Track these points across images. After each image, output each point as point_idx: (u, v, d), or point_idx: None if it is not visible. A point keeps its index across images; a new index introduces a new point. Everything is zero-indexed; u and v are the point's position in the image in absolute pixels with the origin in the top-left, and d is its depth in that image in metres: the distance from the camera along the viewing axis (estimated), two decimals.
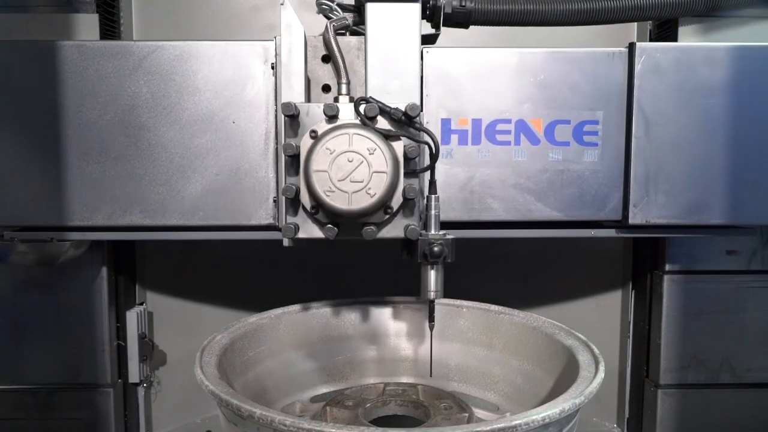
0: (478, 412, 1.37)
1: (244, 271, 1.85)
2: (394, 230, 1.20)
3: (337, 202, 1.13)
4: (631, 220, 1.37)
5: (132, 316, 1.70)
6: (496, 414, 1.39)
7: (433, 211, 1.21)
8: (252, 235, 1.39)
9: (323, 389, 1.50)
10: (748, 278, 1.66)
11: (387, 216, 1.18)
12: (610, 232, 1.44)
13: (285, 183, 1.19)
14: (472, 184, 1.36)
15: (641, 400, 1.76)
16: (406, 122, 1.16)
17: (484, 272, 1.84)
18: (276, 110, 1.33)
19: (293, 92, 1.24)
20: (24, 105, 1.32)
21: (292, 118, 1.17)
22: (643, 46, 1.35)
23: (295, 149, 1.16)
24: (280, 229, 1.30)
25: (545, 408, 0.99)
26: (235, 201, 1.35)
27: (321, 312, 1.56)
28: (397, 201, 1.17)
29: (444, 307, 1.57)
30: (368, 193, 1.13)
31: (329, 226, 1.18)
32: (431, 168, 1.20)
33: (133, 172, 1.34)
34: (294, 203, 1.19)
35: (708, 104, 1.36)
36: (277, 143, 1.34)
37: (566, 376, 1.25)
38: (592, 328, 1.64)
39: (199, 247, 1.81)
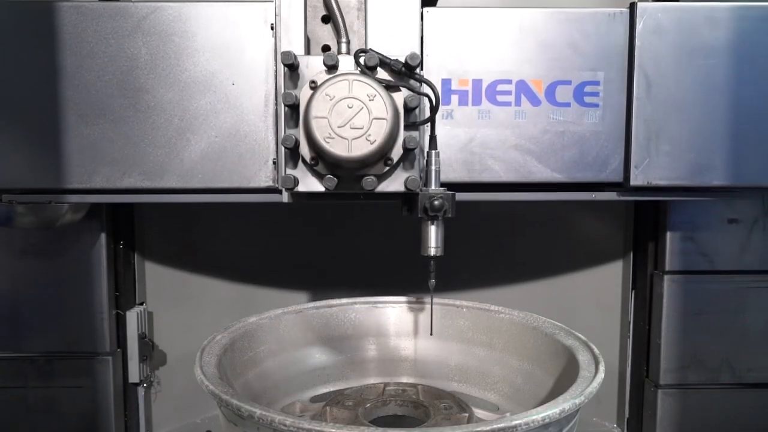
0: (478, 412, 1.37)
1: (245, 240, 1.84)
2: (393, 183, 1.19)
3: (337, 148, 1.11)
4: (633, 182, 1.36)
5: (132, 316, 1.70)
6: (496, 414, 1.39)
7: (433, 167, 1.20)
8: (251, 198, 1.39)
9: (323, 389, 1.50)
10: (748, 278, 1.66)
11: (387, 168, 1.17)
12: (612, 195, 1.43)
13: (284, 134, 1.18)
14: (473, 144, 1.35)
15: (641, 400, 1.76)
16: (406, 73, 1.15)
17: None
18: (276, 72, 1.32)
19: (292, 49, 1.22)
20: (21, 66, 1.31)
21: (291, 69, 1.16)
22: (644, 6, 1.33)
23: (294, 98, 1.15)
24: (279, 192, 1.30)
25: (545, 408, 0.99)
26: (235, 163, 1.34)
27: (321, 312, 1.55)
28: (397, 153, 1.17)
29: (444, 307, 1.57)
30: (368, 140, 1.11)
31: (329, 176, 1.17)
32: (431, 120, 1.19)
33: (132, 134, 1.33)
34: (293, 156, 1.18)
35: (710, 64, 1.34)
36: (276, 105, 1.33)
37: (566, 376, 1.25)
38: (592, 328, 1.64)
39: (199, 215, 1.81)
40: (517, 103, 1.35)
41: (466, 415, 1.30)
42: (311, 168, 1.18)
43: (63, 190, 1.36)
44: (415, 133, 1.17)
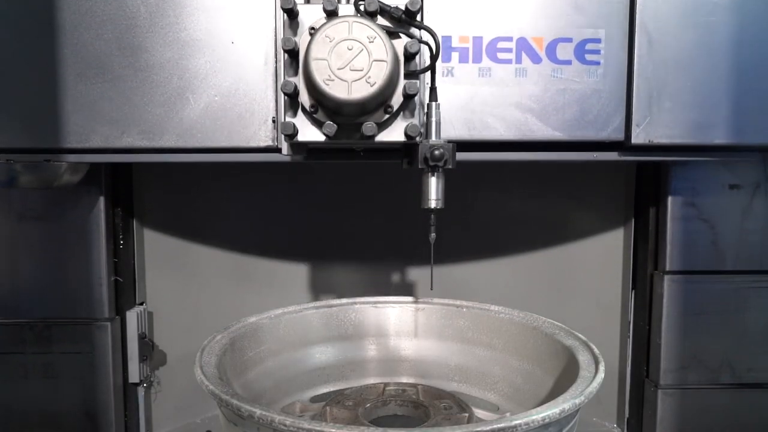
0: (478, 412, 1.38)
1: (244, 208, 1.84)
2: (393, 133, 1.19)
3: (337, 90, 1.10)
4: (634, 140, 1.35)
5: (132, 316, 1.70)
6: (496, 414, 1.39)
7: (433, 118, 1.20)
8: (251, 157, 1.38)
9: (323, 389, 1.50)
10: (748, 278, 1.66)
11: (387, 116, 1.17)
12: (612, 155, 1.41)
13: (283, 79, 1.17)
14: (474, 103, 1.34)
15: (641, 400, 1.76)
16: (406, 20, 1.15)
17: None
18: (275, 29, 1.31)
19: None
20: (19, 25, 1.30)
21: (291, 16, 1.16)
22: None
23: (294, 44, 1.14)
24: (279, 151, 1.30)
25: (545, 408, 0.99)
26: (234, 123, 1.33)
27: (321, 312, 1.56)
28: (397, 101, 1.16)
29: (444, 307, 1.57)
30: (368, 82, 1.10)
31: (328, 122, 1.16)
32: (432, 67, 1.19)
33: (131, 94, 1.32)
34: (293, 104, 1.18)
35: (711, 21, 1.33)
36: (276, 63, 1.32)
37: (566, 376, 1.25)
38: (592, 328, 1.64)
39: (198, 183, 1.80)
40: (518, 60, 1.33)
41: (466, 415, 1.30)
42: (311, 116, 1.17)
43: (60, 150, 1.34)
44: (415, 81, 1.16)
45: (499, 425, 0.93)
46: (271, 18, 1.32)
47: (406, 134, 1.18)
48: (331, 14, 1.14)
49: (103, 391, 1.64)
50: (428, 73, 1.21)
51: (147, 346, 1.77)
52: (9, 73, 1.32)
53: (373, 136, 1.16)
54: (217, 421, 1.72)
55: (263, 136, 1.34)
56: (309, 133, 1.19)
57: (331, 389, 1.49)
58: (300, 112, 1.18)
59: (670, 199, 1.64)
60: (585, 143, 1.38)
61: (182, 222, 1.83)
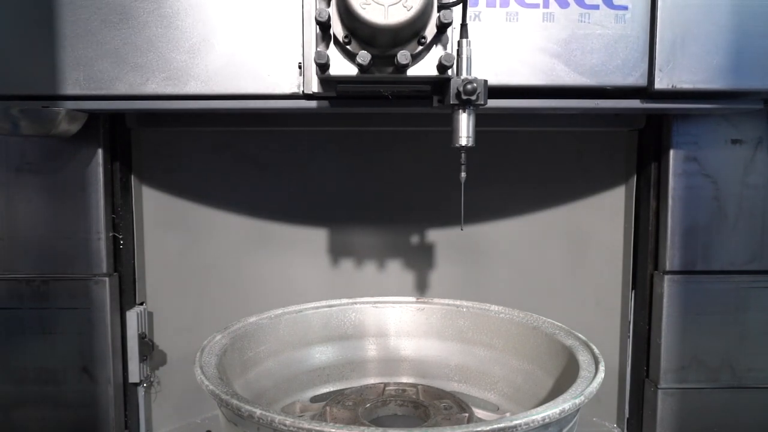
0: (478, 412, 1.38)
1: (242, 166, 1.82)
2: (426, 66, 1.18)
3: (373, 15, 1.08)
4: (657, 85, 1.34)
5: (132, 316, 1.70)
6: (496, 414, 1.39)
7: (465, 55, 1.19)
8: (276, 104, 1.36)
9: (323, 389, 1.50)
10: (748, 278, 1.66)
11: (420, 47, 1.16)
12: (635, 103, 1.40)
13: (317, 7, 1.15)
14: (500, 47, 1.33)
15: (641, 400, 1.76)
16: None
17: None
18: None
19: None
20: None
21: None
22: None
23: None
24: (304, 97, 1.29)
25: (545, 408, 0.99)
26: (259, 69, 1.32)
27: (321, 312, 1.56)
28: (431, 32, 1.15)
29: (444, 307, 1.57)
30: (405, 6, 1.09)
31: (362, 52, 1.14)
32: (464, 2, 1.17)
33: (156, 40, 1.31)
34: (325, 37, 1.17)
35: None
36: (302, 4, 1.30)
37: (566, 376, 1.25)
38: (592, 328, 1.64)
39: (200, 139, 1.79)
40: (546, 5, 1.32)
41: (466, 415, 1.30)
42: (343, 48, 1.16)
43: (85, 97, 1.34)
44: (450, 10, 1.15)
45: (499, 425, 0.93)
46: None
47: (441, 64, 1.17)
48: None
49: (101, 347, 1.63)
50: (456, 12, 1.19)
51: (147, 346, 1.77)
52: (30, 18, 1.30)
53: (406, 66, 1.15)
54: (217, 421, 1.72)
55: (288, 84, 1.32)
56: (340, 66, 1.18)
57: (331, 389, 1.50)
58: (332, 45, 1.17)
59: (672, 153, 1.63)
60: (607, 90, 1.37)
61: (180, 180, 1.81)
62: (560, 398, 1.04)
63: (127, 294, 1.71)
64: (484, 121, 1.69)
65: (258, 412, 0.96)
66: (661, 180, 1.67)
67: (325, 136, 1.81)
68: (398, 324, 1.59)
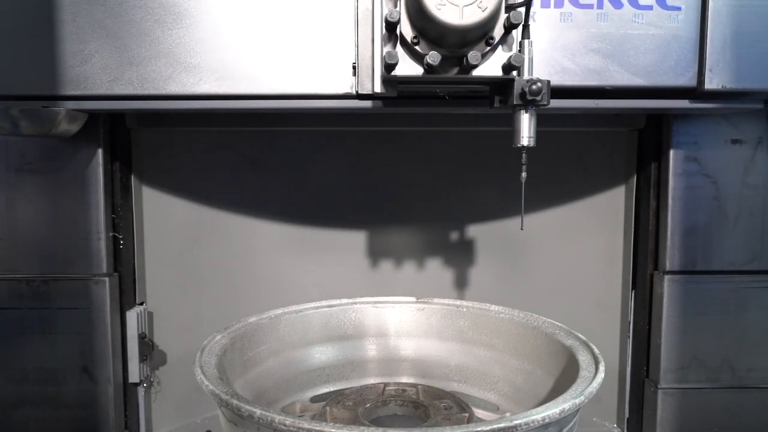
0: (478, 412, 1.38)
1: (244, 166, 1.82)
2: (491, 67, 1.19)
3: (448, 16, 1.09)
4: (707, 86, 1.34)
5: (132, 316, 1.70)
6: (496, 414, 1.39)
7: (526, 55, 1.19)
8: (328, 104, 1.35)
9: (323, 389, 1.50)
10: (748, 278, 1.66)
11: (488, 48, 1.17)
12: (684, 103, 1.41)
13: (383, 14, 1.16)
14: (553, 48, 1.34)
15: (641, 400, 1.76)
16: None
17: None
18: None
19: None
20: None
21: None
22: None
23: None
24: (358, 97, 1.30)
25: (545, 408, 0.99)
26: (312, 69, 1.32)
27: (321, 312, 1.56)
28: (498, 32, 1.16)
29: (444, 307, 1.57)
30: (479, 7, 1.09)
31: (432, 52, 1.14)
32: (526, 3, 1.17)
33: (206, 38, 1.31)
34: (391, 37, 1.18)
35: None
36: (356, 6, 1.30)
37: (566, 376, 1.25)
38: (592, 328, 1.64)
39: (198, 140, 1.79)
40: (600, 5, 1.33)
41: (466, 415, 1.30)
42: (410, 48, 1.17)
43: (141, 96, 1.33)
44: (520, 10, 1.15)
45: (499, 425, 0.93)
46: None
47: (509, 65, 1.17)
48: None
49: (101, 347, 1.63)
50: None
51: (147, 346, 1.77)
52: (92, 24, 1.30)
53: (475, 66, 1.16)
54: (217, 421, 1.72)
55: (341, 83, 1.32)
56: (407, 66, 1.19)
57: (331, 389, 1.50)
58: (399, 46, 1.18)
59: (672, 153, 1.63)
60: (656, 90, 1.37)
61: (180, 180, 1.81)
62: (560, 398, 1.04)
63: (127, 294, 1.71)
64: (484, 120, 1.70)
65: (258, 412, 0.96)
66: (661, 180, 1.68)
67: (324, 135, 1.81)
68: (398, 324, 1.59)
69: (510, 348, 1.47)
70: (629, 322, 1.82)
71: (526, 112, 1.20)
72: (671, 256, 1.66)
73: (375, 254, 1.86)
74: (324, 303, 1.57)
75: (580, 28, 1.33)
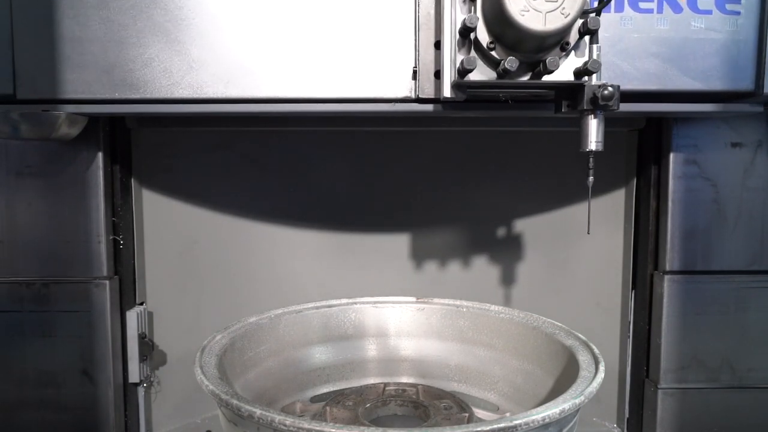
0: (478, 412, 1.38)
1: (244, 167, 1.82)
2: (563, 71, 1.20)
3: (532, 22, 1.10)
4: (766, 89, 1.35)
5: (132, 316, 1.70)
6: (496, 414, 1.39)
7: (595, 53, 1.20)
8: (387, 107, 1.36)
9: (323, 389, 1.50)
10: (748, 278, 1.66)
11: (563, 53, 1.18)
12: (743, 107, 1.42)
13: (457, 20, 1.17)
14: (614, 53, 1.34)
15: (641, 400, 1.76)
16: None
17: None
18: None
19: None
20: None
21: None
22: None
23: None
24: (418, 101, 1.31)
25: (545, 408, 0.99)
26: (373, 73, 1.33)
27: (321, 312, 1.56)
28: (573, 37, 1.17)
29: (444, 307, 1.57)
30: (562, 13, 1.11)
31: (510, 58, 1.15)
32: (605, 5, 1.19)
33: (270, 41, 1.31)
34: (465, 43, 1.18)
35: None
36: (416, 11, 1.30)
37: (566, 376, 1.25)
38: (592, 328, 1.64)
39: (199, 143, 1.79)
40: (659, 10, 1.34)
41: (466, 415, 1.30)
42: (485, 54, 1.18)
43: (200, 100, 1.33)
44: (597, 16, 1.17)
45: (499, 425, 0.93)
46: None
47: (585, 70, 1.18)
48: None
49: (101, 350, 1.63)
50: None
51: (147, 346, 1.77)
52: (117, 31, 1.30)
53: (552, 72, 1.17)
54: (217, 421, 1.72)
55: (401, 88, 1.33)
56: (481, 72, 1.20)
57: (331, 389, 1.49)
58: (473, 51, 1.19)
59: (672, 156, 1.64)
60: (715, 93, 1.38)
61: (180, 183, 1.81)
62: (560, 398, 1.04)
63: (127, 294, 1.72)
64: (483, 121, 1.69)
65: (258, 412, 0.96)
66: (660, 182, 1.68)
67: (324, 136, 1.81)
68: (398, 324, 1.59)
69: (510, 348, 1.47)
70: (629, 322, 1.82)
71: (594, 118, 1.21)
72: (671, 258, 1.66)
73: (376, 254, 1.86)
74: (324, 303, 1.57)
75: (640, 32, 1.34)
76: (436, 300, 1.60)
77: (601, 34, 1.29)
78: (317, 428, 0.92)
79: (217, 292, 1.85)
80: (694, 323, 1.66)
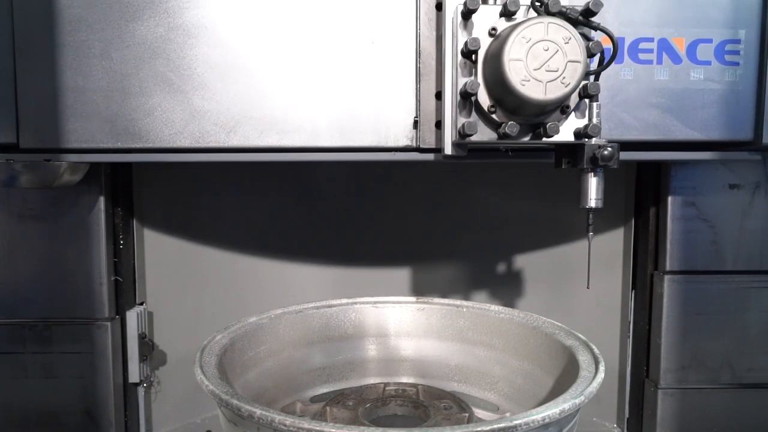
0: (478, 412, 1.38)
1: (244, 208, 1.84)
2: (564, 132, 1.21)
3: (533, 91, 1.12)
4: (765, 140, 1.36)
5: (132, 316, 1.70)
6: (496, 414, 1.39)
7: (595, 119, 1.21)
8: (388, 157, 1.37)
9: (323, 389, 1.50)
10: (748, 278, 1.66)
11: (564, 116, 1.19)
12: (742, 155, 1.43)
13: (458, 82, 1.19)
14: (613, 103, 1.36)
15: (641, 400, 1.76)
16: (582, 21, 1.16)
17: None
18: (417, 29, 1.32)
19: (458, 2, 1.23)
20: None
21: (466, 17, 1.18)
22: None
23: (478, 44, 1.17)
24: (417, 150, 1.33)
25: (545, 408, 0.99)
26: (372, 123, 1.34)
27: (321, 312, 1.55)
28: (573, 100, 1.19)
29: (444, 307, 1.57)
30: (562, 83, 1.12)
31: (511, 123, 1.17)
32: (606, 68, 1.20)
33: (270, 92, 1.33)
34: (466, 105, 1.20)
35: None
36: (417, 63, 1.33)
37: (566, 376, 1.25)
38: (592, 328, 1.64)
39: (199, 182, 1.80)
40: (659, 61, 1.35)
41: (466, 415, 1.30)
42: (486, 116, 1.20)
43: (201, 149, 1.34)
44: (597, 82, 1.19)
45: (499, 425, 0.93)
46: (412, 16, 1.32)
47: (584, 133, 1.19)
48: (510, 15, 1.17)
49: (104, 391, 1.64)
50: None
51: (147, 346, 1.77)
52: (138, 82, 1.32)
53: (552, 135, 1.19)
54: (217, 421, 1.71)
55: (402, 137, 1.35)
56: (485, 132, 1.22)
57: (331, 389, 1.49)
58: (474, 113, 1.20)
59: (670, 199, 1.64)
60: (715, 142, 1.40)
61: (183, 222, 1.83)
62: (560, 398, 1.04)
63: (127, 294, 1.72)
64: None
65: (258, 412, 0.96)
66: (659, 224, 1.69)
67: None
68: (398, 324, 1.59)
69: (510, 348, 1.47)
70: (629, 322, 1.83)
71: (594, 176, 1.22)
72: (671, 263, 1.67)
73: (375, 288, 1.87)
74: (324, 303, 1.57)
75: (640, 83, 1.35)
76: (436, 300, 1.60)
77: (600, 84, 1.30)
78: (317, 428, 0.91)
79: (217, 292, 1.85)
80: (694, 323, 1.66)
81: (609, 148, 1.17)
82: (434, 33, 1.33)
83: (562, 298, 1.86)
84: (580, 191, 1.24)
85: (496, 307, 1.53)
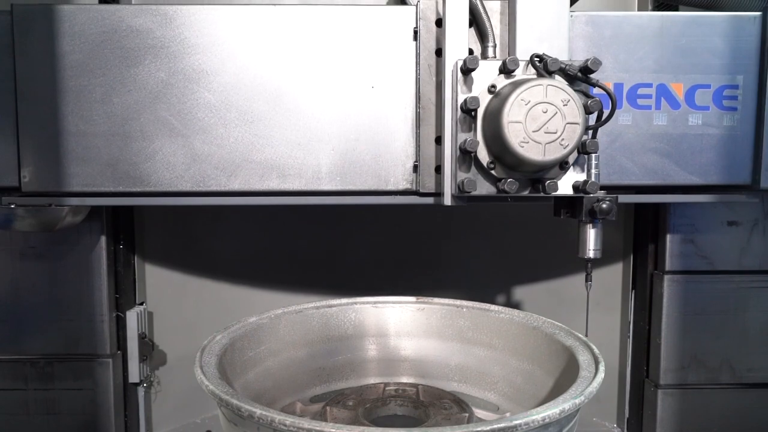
0: (478, 412, 1.37)
1: (244, 240, 1.84)
2: (563, 185, 1.23)
3: (532, 153, 1.13)
4: (763, 184, 1.38)
5: (132, 316, 1.70)
6: (496, 414, 1.39)
7: (593, 171, 1.22)
8: (388, 200, 1.40)
9: (323, 389, 1.50)
10: (748, 278, 1.66)
11: (562, 171, 1.21)
12: (740, 198, 1.45)
13: (458, 137, 1.21)
14: (613, 147, 1.37)
15: (641, 400, 1.76)
16: (581, 78, 1.18)
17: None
18: (417, 76, 1.34)
19: (458, 51, 1.25)
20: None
21: (466, 73, 1.19)
22: None
23: (477, 103, 1.18)
24: (417, 194, 1.35)
25: (545, 408, 0.99)
26: (372, 166, 1.36)
27: (321, 312, 1.55)
28: (572, 156, 1.20)
29: (444, 307, 1.57)
30: (561, 144, 1.14)
31: (510, 180, 1.19)
32: (605, 122, 1.21)
33: (271, 136, 1.34)
34: (466, 159, 1.21)
35: None
36: (417, 108, 1.34)
37: (566, 376, 1.25)
38: (592, 328, 1.63)
39: (199, 217, 1.81)
40: (657, 106, 1.37)
41: (466, 415, 1.30)
42: (486, 172, 1.21)
43: (201, 193, 1.36)
44: (595, 139, 1.21)
45: (499, 425, 0.93)
46: (413, 64, 1.34)
47: (583, 189, 1.22)
48: (510, 72, 1.19)
49: (105, 427, 1.65)
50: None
51: (147, 346, 1.77)
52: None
53: (551, 193, 1.22)
54: (217, 421, 1.72)
55: (402, 181, 1.37)
56: (485, 186, 1.24)
57: (331, 389, 1.49)
58: (473, 167, 1.22)
59: (668, 237, 1.65)
60: (713, 186, 1.42)
61: (183, 255, 1.84)
62: (560, 398, 1.04)
63: (127, 294, 1.71)
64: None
65: (258, 412, 0.96)
66: (657, 260, 1.69)
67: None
68: (398, 324, 1.59)
69: (510, 348, 1.47)
70: (629, 322, 1.83)
71: (593, 227, 1.24)
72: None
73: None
74: (324, 303, 1.57)
75: (639, 128, 1.37)
76: (436, 300, 1.60)
77: (599, 131, 1.31)
78: (317, 428, 0.91)
79: (217, 294, 1.85)
80: (694, 323, 1.66)
81: (607, 202, 1.19)
82: (434, 78, 1.34)
83: (563, 298, 1.86)
84: (579, 241, 1.26)
85: (496, 307, 1.53)
